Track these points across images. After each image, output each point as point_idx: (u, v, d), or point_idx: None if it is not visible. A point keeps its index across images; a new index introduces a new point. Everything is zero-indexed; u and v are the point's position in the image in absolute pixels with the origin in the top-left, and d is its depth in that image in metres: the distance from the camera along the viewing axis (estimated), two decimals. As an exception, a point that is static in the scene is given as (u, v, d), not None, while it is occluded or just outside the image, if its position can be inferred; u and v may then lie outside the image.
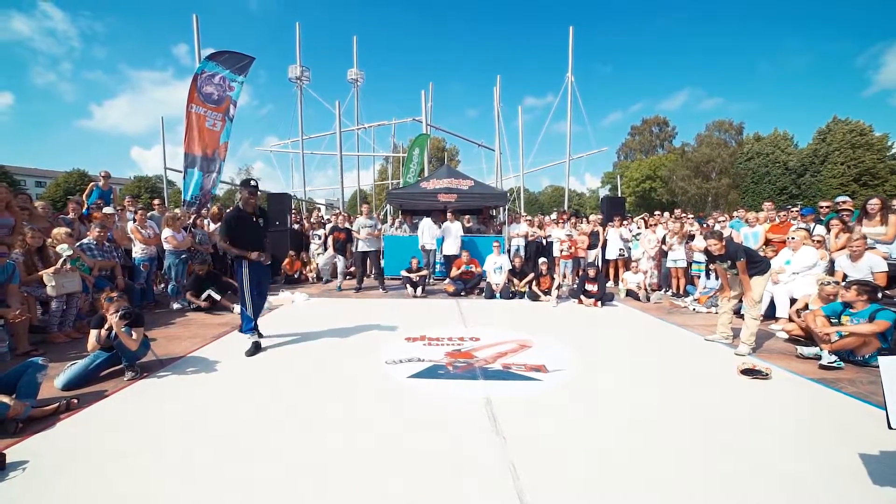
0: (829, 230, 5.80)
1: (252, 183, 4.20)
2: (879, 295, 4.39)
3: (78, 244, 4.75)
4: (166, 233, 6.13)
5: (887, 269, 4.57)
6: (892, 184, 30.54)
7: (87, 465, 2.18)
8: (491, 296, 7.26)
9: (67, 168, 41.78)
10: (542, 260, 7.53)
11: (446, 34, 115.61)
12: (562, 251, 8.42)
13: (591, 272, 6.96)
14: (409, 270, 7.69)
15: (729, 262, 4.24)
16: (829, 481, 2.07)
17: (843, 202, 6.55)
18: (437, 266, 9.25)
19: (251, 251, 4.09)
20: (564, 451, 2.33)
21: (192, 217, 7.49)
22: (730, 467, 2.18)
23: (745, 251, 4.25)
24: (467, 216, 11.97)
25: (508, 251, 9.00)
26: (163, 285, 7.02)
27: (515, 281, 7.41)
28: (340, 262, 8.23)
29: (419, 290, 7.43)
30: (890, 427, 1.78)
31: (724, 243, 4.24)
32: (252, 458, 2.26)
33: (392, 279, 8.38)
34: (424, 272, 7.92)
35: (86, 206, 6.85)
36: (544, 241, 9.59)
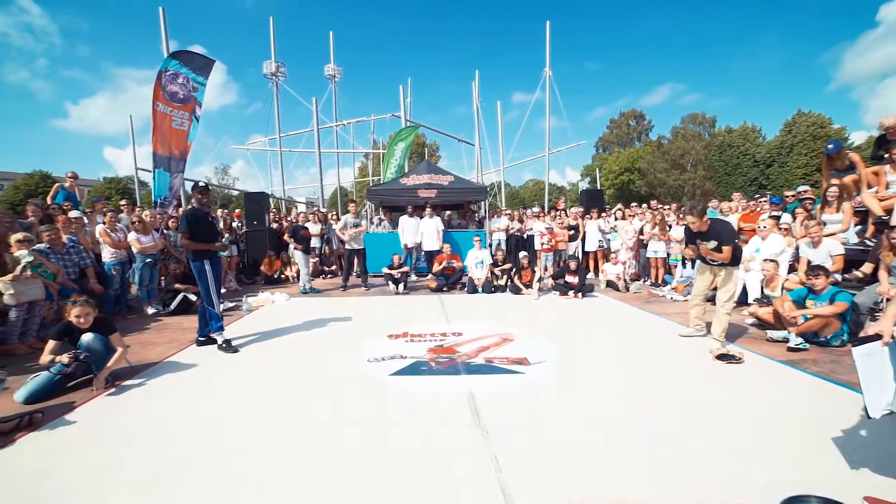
0: (794, 218, 6.06)
1: (201, 184, 4.44)
2: (839, 277, 4.63)
3: (34, 248, 4.50)
4: (131, 236, 5.90)
5: (844, 253, 4.82)
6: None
7: (50, 483, 2.05)
8: (473, 290, 7.30)
9: (31, 170, 39.43)
10: (522, 253, 7.60)
11: (426, 30, 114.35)
12: (542, 244, 8.52)
13: (572, 264, 7.07)
14: (391, 267, 7.65)
15: (715, 242, 4.00)
16: (797, 458, 2.16)
17: (805, 191, 6.86)
18: (420, 262, 9.25)
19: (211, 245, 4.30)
20: (547, 443, 2.36)
21: (166, 219, 7.24)
22: (708, 451, 2.24)
23: (735, 238, 4.08)
24: (448, 211, 11.98)
25: (490, 245, 9.06)
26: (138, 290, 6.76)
27: (497, 273, 7.46)
28: (307, 261, 7.87)
29: (401, 286, 7.40)
30: (868, 416, 1.82)
31: (704, 220, 4.02)
32: (232, 462, 2.20)
33: (374, 276, 8.32)
34: (406, 268, 7.90)
35: (49, 204, 6.51)
36: (524, 235, 9.68)
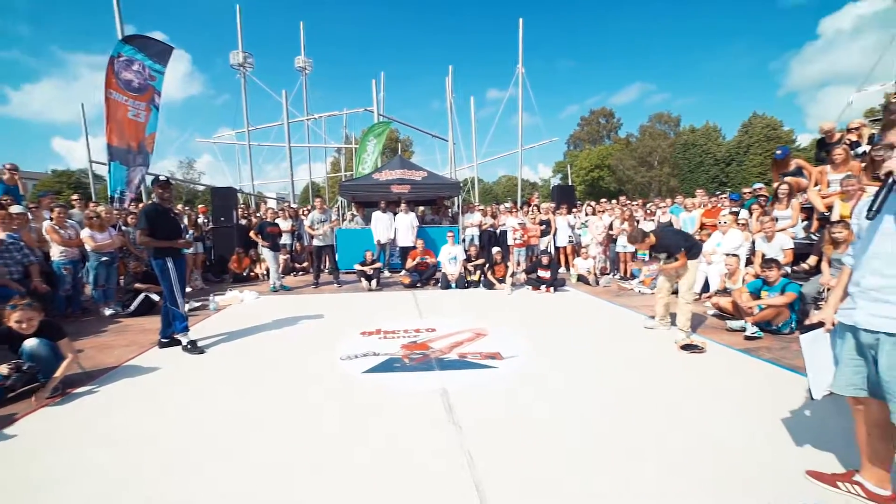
0: (751, 214, 6.41)
1: (162, 178, 4.29)
2: (789, 270, 4.95)
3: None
4: (84, 233, 5.54)
5: (794, 247, 5.16)
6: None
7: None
8: (447, 286, 7.31)
9: (-36, 161, 36.05)
10: (495, 249, 7.68)
11: (399, 23, 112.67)
12: (515, 240, 8.63)
13: (545, 259, 7.20)
14: (364, 263, 7.54)
15: (666, 253, 4.30)
16: (753, 441, 2.30)
17: (759, 188, 7.27)
18: (393, 258, 9.19)
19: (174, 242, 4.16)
20: (519, 437, 2.39)
21: (124, 215, 6.83)
22: (678, 440, 2.32)
23: (683, 242, 4.23)
24: (421, 207, 11.93)
25: (463, 241, 9.09)
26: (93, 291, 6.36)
27: (470, 269, 7.51)
28: (277, 259, 7.58)
29: (374, 282, 7.32)
30: (812, 398, 1.94)
31: (649, 240, 4.22)
32: (195, 470, 2.11)
33: (346, 273, 8.18)
34: (378, 265, 7.81)
35: None
36: (497, 231, 9.78)
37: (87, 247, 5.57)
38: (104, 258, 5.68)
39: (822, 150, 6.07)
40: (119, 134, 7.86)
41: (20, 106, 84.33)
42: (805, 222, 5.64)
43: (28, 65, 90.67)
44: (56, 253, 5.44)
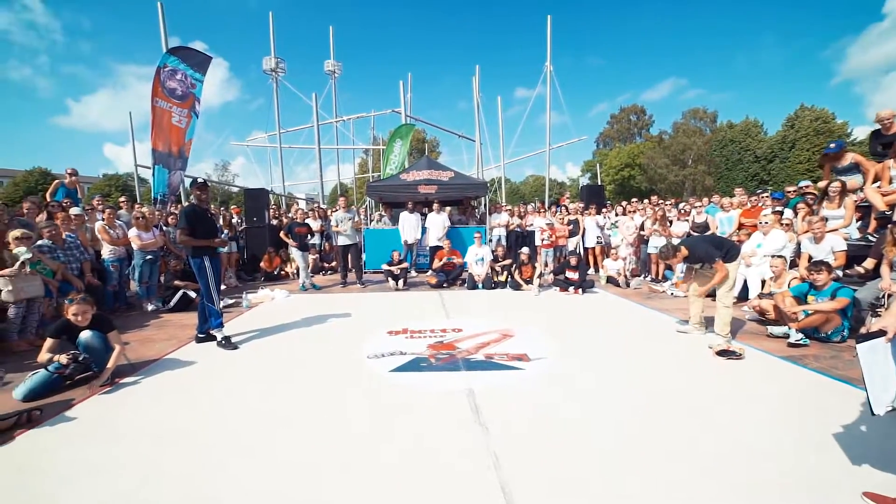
0: (796, 213, 6.02)
1: (200, 181, 4.47)
2: (840, 273, 4.61)
3: (35, 245, 4.50)
4: (132, 233, 5.90)
5: (846, 249, 4.79)
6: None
7: (48, 482, 2.04)
8: (473, 287, 7.28)
9: (31, 167, 39.37)
10: (523, 249, 7.58)
11: (426, 24, 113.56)
12: (543, 240, 8.50)
13: (573, 260, 7.05)
14: (391, 263, 7.63)
15: (701, 263, 4.15)
16: (799, 454, 2.15)
17: (806, 186, 6.81)
18: (420, 258, 9.25)
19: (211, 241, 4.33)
20: (547, 438, 2.36)
21: (166, 216, 7.22)
22: (711, 447, 2.23)
23: (715, 248, 4.05)
24: (448, 207, 11.97)
25: (490, 241, 9.04)
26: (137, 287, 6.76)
27: (497, 269, 7.45)
28: (306, 258, 7.72)
29: (401, 282, 7.39)
30: (873, 413, 1.78)
31: (681, 253, 4.10)
32: (231, 459, 2.20)
33: (374, 273, 8.31)
34: (405, 265, 7.88)
35: (49, 201, 6.49)
36: (525, 231, 9.66)
37: (134, 245, 5.93)
38: (148, 256, 6.03)
39: (879, 142, 5.60)
40: (163, 139, 8.33)
41: (79, 117, 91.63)
42: (860, 222, 5.23)
43: (87, 77, 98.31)
44: (106, 251, 5.83)
